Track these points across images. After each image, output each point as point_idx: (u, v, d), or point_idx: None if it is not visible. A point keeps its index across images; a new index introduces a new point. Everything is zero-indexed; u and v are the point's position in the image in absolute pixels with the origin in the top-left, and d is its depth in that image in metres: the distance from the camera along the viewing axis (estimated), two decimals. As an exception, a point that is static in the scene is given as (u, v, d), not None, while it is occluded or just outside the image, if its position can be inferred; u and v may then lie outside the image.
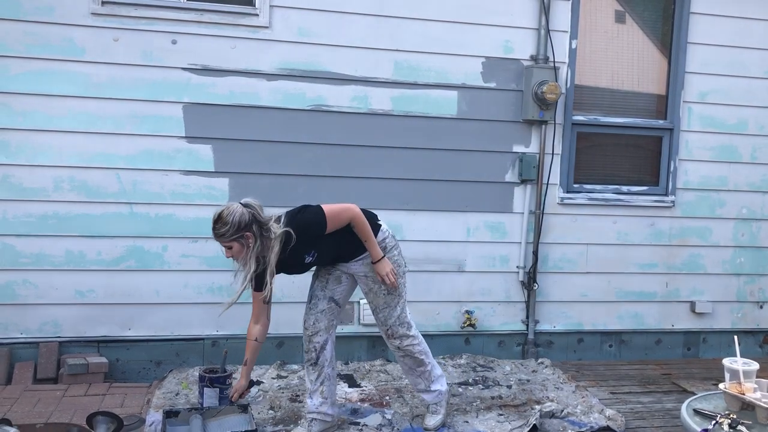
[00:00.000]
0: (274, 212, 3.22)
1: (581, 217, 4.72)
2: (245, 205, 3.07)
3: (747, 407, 2.60)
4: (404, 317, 3.38)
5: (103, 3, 3.95)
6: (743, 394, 2.61)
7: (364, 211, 3.19)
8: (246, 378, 3.41)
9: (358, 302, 4.43)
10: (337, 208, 3.15)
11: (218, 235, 3.05)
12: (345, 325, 4.44)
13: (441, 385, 3.54)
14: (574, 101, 4.65)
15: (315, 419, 3.37)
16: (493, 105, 4.50)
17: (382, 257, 3.22)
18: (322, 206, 3.15)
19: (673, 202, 4.83)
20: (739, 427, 2.45)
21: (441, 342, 4.60)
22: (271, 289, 3.23)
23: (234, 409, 3.49)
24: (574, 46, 4.59)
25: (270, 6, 4.13)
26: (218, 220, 3.03)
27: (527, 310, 4.69)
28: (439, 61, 4.40)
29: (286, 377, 4.16)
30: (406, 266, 3.40)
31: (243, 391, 3.42)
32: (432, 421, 3.52)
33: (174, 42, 4.05)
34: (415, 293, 4.52)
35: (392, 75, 4.34)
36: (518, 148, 4.57)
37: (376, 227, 3.24)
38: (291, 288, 4.34)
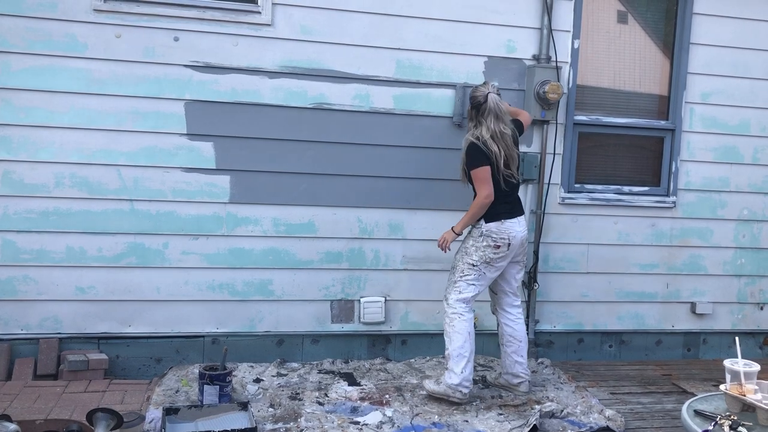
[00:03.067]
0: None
1: (582, 217, 4.72)
2: None
3: (748, 409, 2.60)
4: (456, 292, 3.81)
5: (105, -1, 3.95)
6: (744, 395, 2.61)
7: (510, 204, 3.79)
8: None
9: (359, 300, 4.43)
10: (483, 180, 3.70)
11: None
12: (345, 323, 4.44)
13: (451, 379, 3.75)
14: (576, 101, 4.65)
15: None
16: (495, 104, 4.49)
17: (458, 230, 3.82)
18: (483, 169, 3.69)
19: (674, 202, 4.83)
20: (740, 429, 2.45)
21: (441, 341, 4.56)
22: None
23: (234, 407, 3.49)
24: (576, 46, 4.58)
25: (272, 4, 4.13)
26: None
27: (528, 310, 4.69)
28: (441, 60, 4.39)
29: (286, 375, 4.16)
30: (484, 264, 3.78)
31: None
32: (429, 383, 3.87)
33: (176, 39, 4.05)
34: (415, 292, 4.53)
35: (394, 74, 4.34)
36: (520, 148, 4.54)
37: (493, 218, 3.74)
38: (291, 286, 4.35)
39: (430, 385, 3.86)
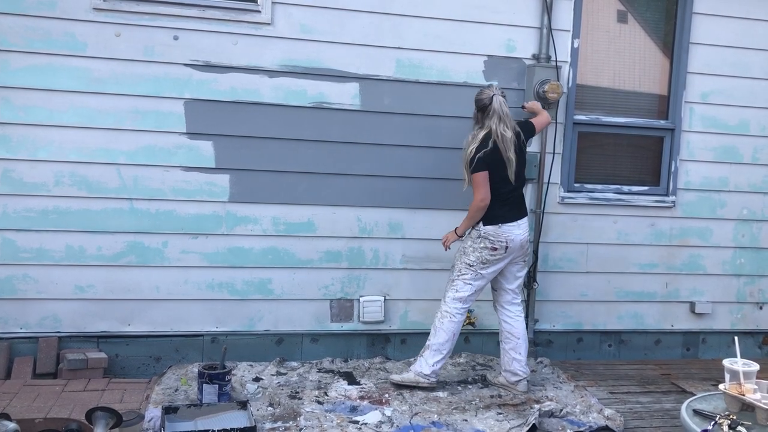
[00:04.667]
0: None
1: (582, 217, 4.72)
2: None
3: (747, 408, 2.60)
4: (453, 291, 3.92)
5: (105, -2, 3.94)
6: (743, 395, 2.61)
7: (509, 207, 3.83)
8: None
9: (358, 299, 4.43)
10: (479, 184, 3.75)
11: None
12: (344, 322, 4.45)
13: (423, 368, 3.91)
14: (576, 101, 4.64)
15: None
16: (494, 104, 4.49)
17: (460, 233, 3.93)
18: (481, 174, 3.74)
19: (673, 202, 4.83)
20: (739, 428, 2.45)
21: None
22: None
23: (233, 406, 3.49)
24: (576, 45, 4.58)
25: (272, 3, 4.12)
26: None
27: (527, 309, 4.69)
28: (441, 60, 4.39)
29: (285, 374, 4.16)
30: (480, 264, 3.85)
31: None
32: (396, 376, 4.02)
33: (176, 38, 4.05)
34: (415, 291, 4.53)
35: (394, 73, 4.33)
36: (520, 147, 4.56)
37: (491, 221, 3.80)
38: (290, 285, 4.35)
39: (397, 376, 4.01)
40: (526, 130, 3.97)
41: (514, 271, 3.99)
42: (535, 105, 4.23)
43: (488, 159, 3.72)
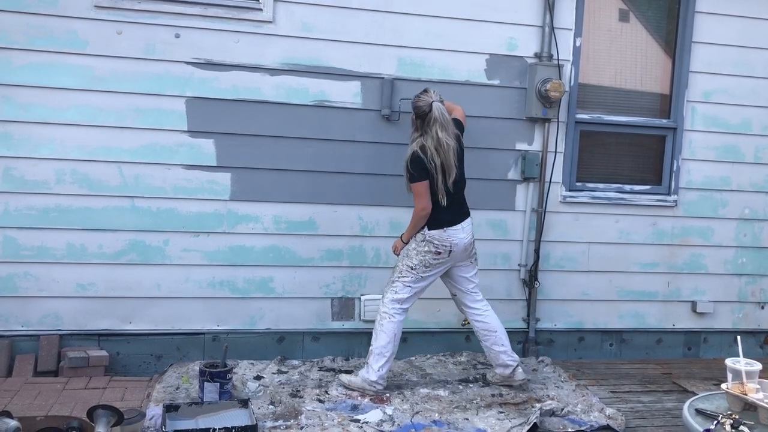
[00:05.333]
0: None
1: (583, 216, 4.72)
2: None
3: (749, 408, 2.60)
4: (393, 292, 3.85)
5: (106, -4, 3.94)
6: (746, 394, 2.60)
7: (453, 210, 3.76)
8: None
9: (359, 298, 4.43)
10: (420, 194, 3.69)
11: None
12: (345, 321, 4.44)
13: (369, 375, 3.84)
14: (578, 99, 4.64)
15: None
16: (496, 102, 4.49)
17: (405, 239, 3.86)
18: (421, 184, 3.68)
19: (675, 201, 4.82)
20: (741, 428, 2.45)
21: (441, 339, 4.60)
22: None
23: (234, 404, 3.49)
24: (578, 44, 4.58)
25: (274, 1, 4.12)
26: None
27: (528, 308, 4.69)
28: (443, 58, 4.38)
29: (286, 372, 4.16)
30: (423, 268, 3.79)
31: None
32: (345, 376, 3.96)
33: (177, 36, 4.04)
34: (417, 290, 4.52)
35: (396, 71, 4.33)
36: (521, 146, 4.56)
37: (436, 225, 3.73)
38: (292, 284, 4.35)
39: (346, 377, 3.94)
40: (460, 129, 3.86)
41: (464, 274, 3.92)
42: (447, 103, 4.02)
43: (429, 168, 3.63)
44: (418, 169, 3.65)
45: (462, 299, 4.00)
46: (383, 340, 3.83)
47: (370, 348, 3.89)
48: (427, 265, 3.79)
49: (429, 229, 3.75)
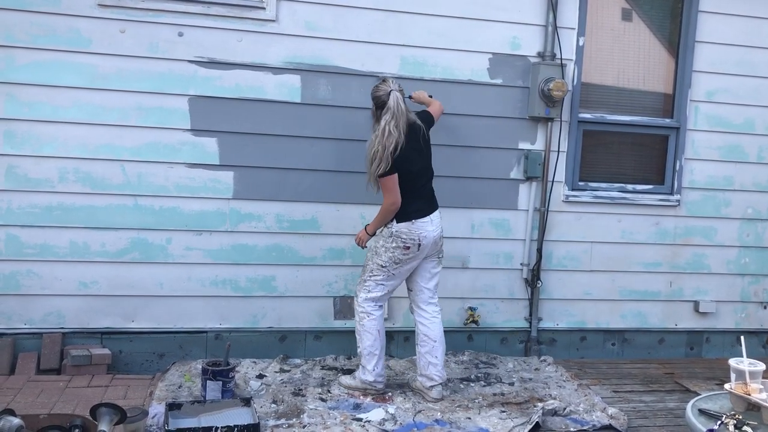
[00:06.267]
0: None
1: (586, 215, 4.71)
2: None
3: (752, 408, 2.60)
4: (365, 291, 3.79)
5: (109, -6, 3.94)
6: (749, 394, 2.60)
7: (422, 201, 3.70)
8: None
9: (362, 297, 4.43)
10: (388, 188, 3.59)
11: None
12: (348, 320, 4.44)
13: (366, 376, 3.81)
14: (581, 99, 4.63)
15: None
16: (499, 101, 4.48)
17: (371, 231, 3.76)
18: (389, 178, 3.57)
19: (678, 201, 4.82)
20: (745, 428, 2.44)
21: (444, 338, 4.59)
22: None
23: (236, 403, 3.50)
24: (581, 43, 4.57)
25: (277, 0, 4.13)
26: None
27: (530, 308, 4.69)
28: (446, 57, 4.38)
29: (288, 371, 4.16)
30: (393, 265, 3.70)
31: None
32: (345, 378, 3.93)
33: (180, 34, 4.04)
34: (419, 289, 4.52)
35: (399, 70, 4.33)
36: (524, 145, 4.56)
37: (403, 217, 3.64)
38: (294, 282, 4.35)
39: (346, 380, 3.91)
40: (426, 121, 3.77)
41: (429, 268, 3.83)
42: (422, 95, 4.00)
43: (395, 159, 3.52)
44: (381, 161, 3.53)
45: (418, 296, 3.87)
46: (369, 339, 3.78)
47: (359, 350, 3.84)
48: (397, 262, 3.69)
49: (397, 222, 3.64)
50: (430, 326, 3.84)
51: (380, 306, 3.83)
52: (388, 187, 3.58)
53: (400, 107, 3.55)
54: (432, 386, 3.83)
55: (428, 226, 3.69)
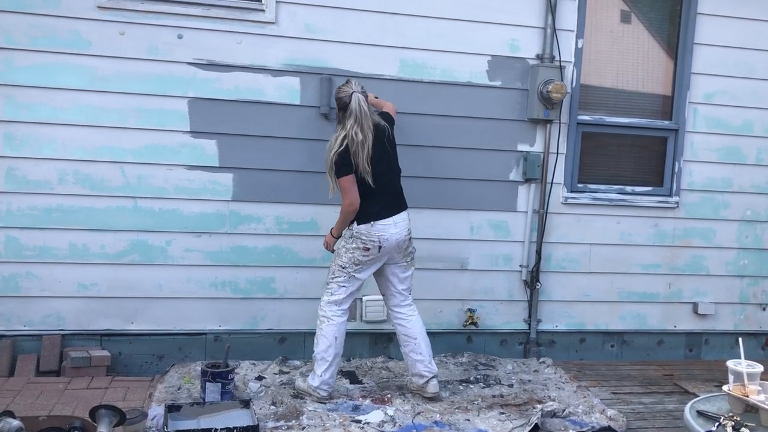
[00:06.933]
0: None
1: (585, 217, 4.72)
2: None
3: (750, 409, 2.60)
4: (328, 294, 3.77)
5: (109, -4, 3.95)
6: (747, 396, 2.60)
7: (383, 203, 3.66)
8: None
9: (361, 299, 4.43)
10: (346, 189, 3.60)
11: None
12: (347, 321, 4.43)
13: (312, 380, 3.78)
14: (580, 101, 4.64)
15: None
16: (498, 103, 4.49)
17: (335, 234, 3.77)
18: (346, 178, 3.58)
19: (677, 203, 4.83)
20: (743, 430, 2.45)
21: (443, 340, 4.60)
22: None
23: (236, 405, 3.50)
24: (580, 45, 4.58)
25: (276, 2, 4.12)
26: None
27: (530, 309, 4.69)
28: (445, 59, 4.39)
29: (288, 373, 4.17)
30: (353, 266, 3.70)
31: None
32: (299, 380, 3.91)
33: (180, 36, 4.05)
34: (418, 291, 4.49)
35: (398, 72, 4.33)
36: (523, 147, 4.57)
37: (363, 219, 3.63)
38: (293, 284, 4.35)
39: (299, 381, 3.90)
40: (389, 121, 3.77)
41: (398, 273, 3.81)
42: (370, 97, 3.82)
43: (354, 160, 3.53)
44: (340, 162, 3.54)
45: (390, 300, 3.88)
46: (323, 345, 3.74)
47: (313, 354, 3.81)
48: (357, 263, 3.68)
49: (357, 224, 3.64)
50: (408, 325, 3.85)
51: (343, 311, 3.78)
52: (345, 187, 3.58)
53: (362, 109, 3.55)
54: (425, 382, 3.82)
55: (390, 229, 3.66)
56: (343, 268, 3.72)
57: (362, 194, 3.60)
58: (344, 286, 3.74)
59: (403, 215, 3.74)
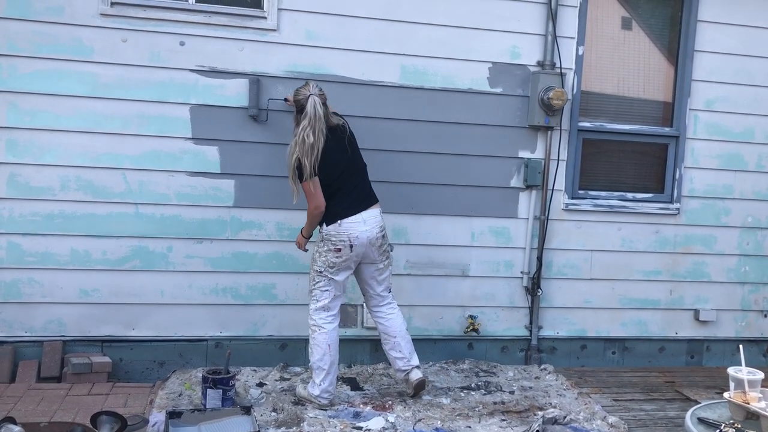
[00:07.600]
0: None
1: (586, 224, 4.72)
2: None
3: (751, 417, 2.59)
4: (314, 301, 3.74)
5: (111, 4, 3.96)
6: (748, 403, 2.60)
7: (350, 200, 3.64)
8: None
9: (362, 305, 4.43)
10: (310, 193, 3.59)
11: None
12: (348, 328, 4.44)
13: (312, 389, 3.77)
14: (580, 107, 4.65)
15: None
16: (499, 110, 4.50)
17: (306, 234, 3.80)
18: (307, 183, 3.56)
19: (678, 209, 4.83)
20: (743, 437, 2.44)
21: (444, 346, 4.60)
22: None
23: (237, 411, 3.49)
24: (580, 52, 4.59)
25: (278, 9, 4.14)
26: None
27: (531, 316, 4.69)
28: (446, 66, 4.40)
29: (289, 379, 4.16)
30: (329, 269, 3.68)
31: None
32: (299, 387, 3.89)
33: (182, 43, 4.07)
34: (419, 297, 4.53)
35: (399, 79, 4.35)
36: (524, 154, 4.57)
37: (330, 219, 3.63)
38: (294, 290, 4.35)
39: (299, 389, 3.89)
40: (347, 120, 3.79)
41: (376, 276, 3.80)
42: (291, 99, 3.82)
43: (315, 163, 3.50)
44: (301, 166, 3.52)
45: (370, 301, 3.90)
46: (318, 354, 3.72)
47: (310, 363, 3.80)
48: (332, 266, 3.66)
49: (326, 225, 3.64)
50: (387, 324, 3.87)
51: (333, 317, 3.75)
52: (309, 191, 3.58)
53: (317, 112, 3.52)
54: (406, 375, 3.88)
55: (360, 227, 3.64)
56: (320, 272, 3.71)
57: (326, 196, 3.61)
58: (327, 290, 3.72)
59: (372, 212, 3.71)
